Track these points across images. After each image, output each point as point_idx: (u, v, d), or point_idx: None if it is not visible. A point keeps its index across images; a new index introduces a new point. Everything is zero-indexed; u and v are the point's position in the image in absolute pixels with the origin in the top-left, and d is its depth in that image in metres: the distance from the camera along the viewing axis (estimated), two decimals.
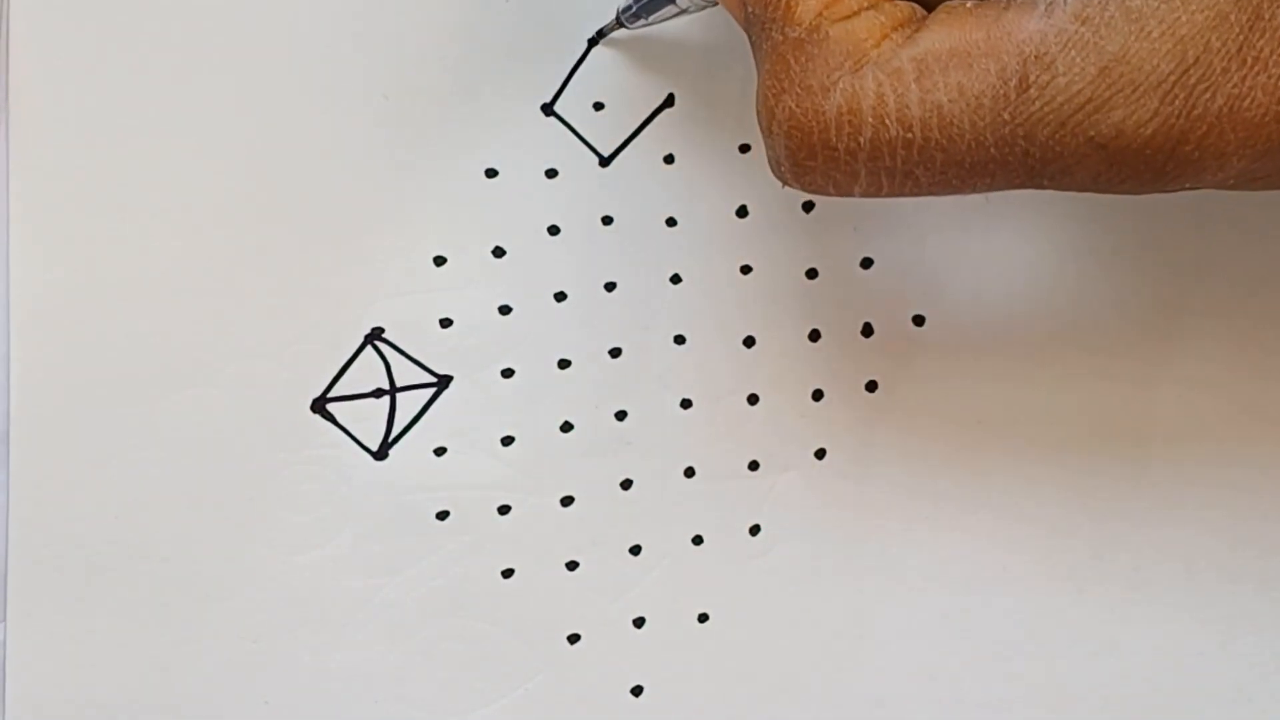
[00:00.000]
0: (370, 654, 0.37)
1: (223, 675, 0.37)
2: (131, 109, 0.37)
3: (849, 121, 0.28)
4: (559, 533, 0.38)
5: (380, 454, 0.38)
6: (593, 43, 0.39)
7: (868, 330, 0.39)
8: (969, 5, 0.28)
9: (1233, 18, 0.26)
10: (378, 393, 0.38)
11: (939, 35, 0.28)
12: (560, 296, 0.38)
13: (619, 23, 0.38)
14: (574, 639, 0.38)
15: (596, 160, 0.39)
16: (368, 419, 0.38)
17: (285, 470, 0.37)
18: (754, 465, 0.39)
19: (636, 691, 0.38)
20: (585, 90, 0.39)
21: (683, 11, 0.36)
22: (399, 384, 0.38)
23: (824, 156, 0.28)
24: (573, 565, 0.38)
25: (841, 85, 0.28)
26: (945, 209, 0.39)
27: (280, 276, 0.37)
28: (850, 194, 0.29)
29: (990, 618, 0.39)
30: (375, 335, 0.38)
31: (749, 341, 0.39)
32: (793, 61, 0.28)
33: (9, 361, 0.37)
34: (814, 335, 0.39)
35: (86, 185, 0.37)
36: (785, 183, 0.30)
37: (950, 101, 0.27)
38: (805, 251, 0.39)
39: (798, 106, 0.28)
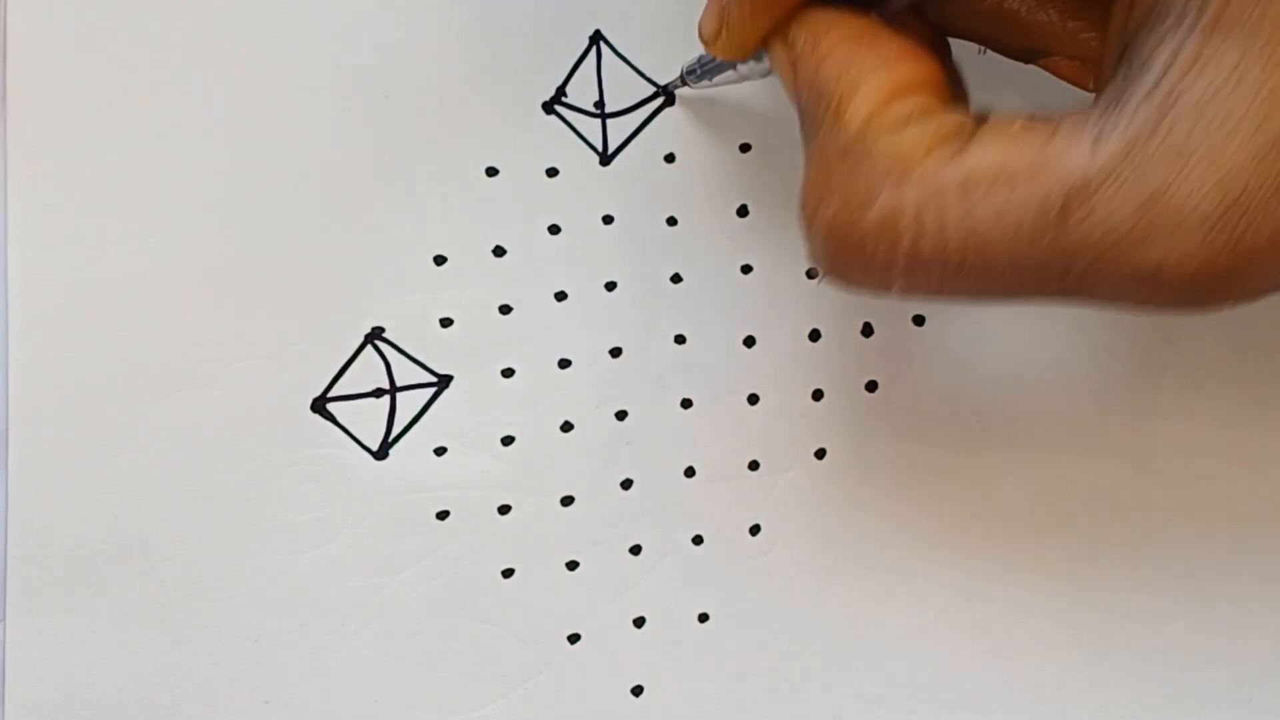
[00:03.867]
0: (370, 654, 0.37)
1: (223, 675, 0.37)
2: (130, 108, 0.37)
3: (886, 237, 0.28)
4: (559, 533, 0.38)
5: (380, 454, 0.38)
6: (664, 96, 0.39)
7: (868, 330, 0.39)
8: (1018, 125, 0.28)
9: (1272, 154, 0.26)
10: (378, 392, 0.38)
11: (984, 154, 0.27)
12: (561, 296, 0.38)
13: (683, 81, 0.38)
14: (574, 639, 0.38)
15: (597, 159, 0.39)
16: (368, 419, 0.38)
17: (285, 470, 0.37)
18: (754, 465, 0.39)
19: (636, 691, 0.38)
20: (586, 88, 0.39)
21: (744, 78, 0.36)
22: (399, 383, 0.38)
23: (860, 264, 0.28)
24: (573, 565, 0.38)
25: (882, 200, 0.28)
26: None
27: (280, 276, 0.37)
28: (887, 296, 0.29)
29: (990, 618, 0.39)
30: (375, 335, 0.38)
31: (749, 341, 0.39)
32: (837, 168, 0.28)
33: (7, 361, 0.37)
34: (814, 335, 0.39)
35: (85, 184, 0.37)
36: (823, 276, 0.30)
37: (988, 228, 0.27)
38: (806, 251, 0.39)
39: (836, 216, 0.28)
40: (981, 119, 0.28)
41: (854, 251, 0.28)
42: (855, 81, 0.29)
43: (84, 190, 0.37)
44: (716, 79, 0.37)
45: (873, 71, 0.29)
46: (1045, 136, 0.27)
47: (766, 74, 0.34)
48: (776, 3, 0.31)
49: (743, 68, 0.35)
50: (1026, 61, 0.33)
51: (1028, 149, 0.27)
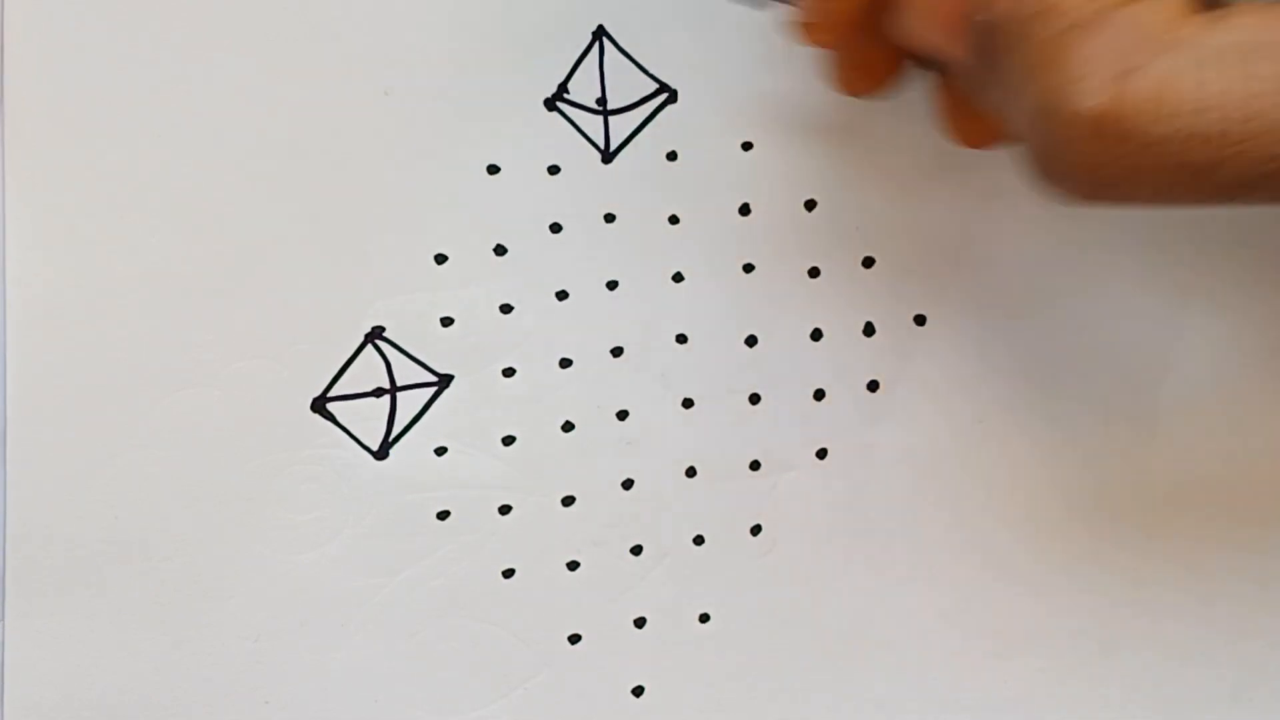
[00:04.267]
0: (370, 654, 0.37)
1: (223, 675, 0.37)
2: (129, 107, 0.37)
3: (1167, 105, 0.25)
4: (559, 533, 0.38)
5: (381, 453, 0.38)
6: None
7: (869, 330, 0.39)
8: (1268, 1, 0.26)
9: None
10: (378, 392, 0.38)
11: (1251, 25, 0.26)
12: (562, 295, 0.38)
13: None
14: (574, 639, 0.38)
15: (599, 156, 0.39)
16: (368, 418, 0.38)
17: (285, 470, 0.37)
18: (755, 465, 0.39)
19: (637, 692, 0.38)
20: (588, 85, 0.39)
21: None
22: (400, 383, 0.38)
23: (1134, 144, 0.26)
24: (573, 565, 0.38)
25: (1155, 65, 0.26)
26: (946, 209, 0.39)
27: (280, 276, 0.37)
28: (1134, 198, 0.27)
29: (990, 618, 0.39)
30: (376, 334, 0.38)
31: (751, 340, 0.39)
32: (1082, 46, 0.26)
33: (6, 361, 0.37)
34: (816, 334, 0.39)
35: (84, 184, 0.37)
36: (1066, 189, 0.27)
37: (1273, 90, 0.25)
38: (807, 250, 0.39)
39: (1103, 90, 0.26)
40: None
41: (1129, 128, 0.26)
42: None
43: (84, 190, 0.37)
44: None
45: None
46: None
47: None
48: None
49: None
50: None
51: None
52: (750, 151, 0.39)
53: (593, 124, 0.39)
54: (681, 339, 0.39)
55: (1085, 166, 0.26)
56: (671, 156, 0.39)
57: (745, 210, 0.39)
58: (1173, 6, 0.26)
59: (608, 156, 0.39)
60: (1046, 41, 0.27)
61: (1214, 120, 0.25)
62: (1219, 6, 0.27)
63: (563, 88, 0.38)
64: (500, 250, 0.38)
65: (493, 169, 0.38)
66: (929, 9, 0.30)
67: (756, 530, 0.39)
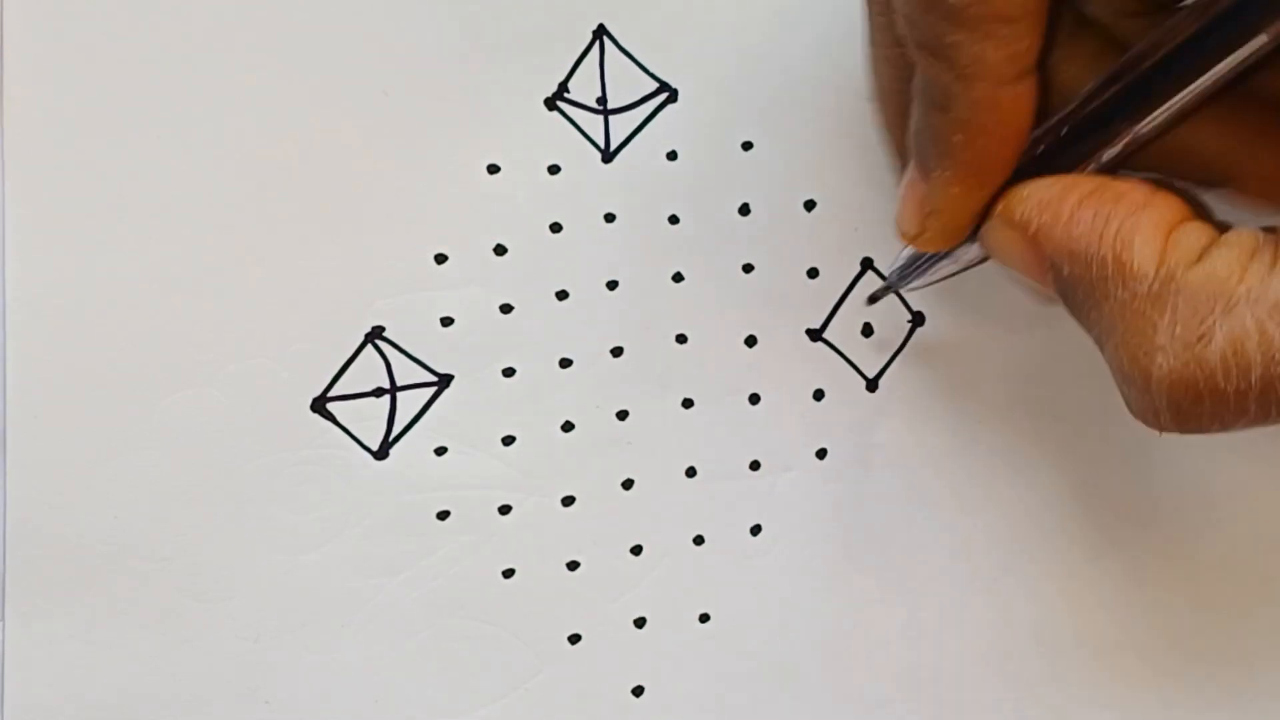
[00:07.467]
0: (370, 654, 0.37)
1: (223, 675, 0.37)
2: (129, 106, 0.37)
3: (1236, 365, 0.27)
4: (559, 533, 0.38)
5: (381, 454, 0.38)
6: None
7: (868, 330, 0.39)
8: None
9: None
10: (378, 392, 0.38)
11: None
12: (562, 295, 0.38)
13: (889, 289, 0.37)
14: (574, 639, 0.38)
15: (599, 156, 0.39)
16: (368, 418, 0.38)
17: (285, 470, 0.37)
18: (755, 465, 0.39)
19: (637, 691, 0.38)
20: (588, 84, 0.39)
21: (965, 266, 0.34)
22: (399, 383, 0.38)
23: (1212, 401, 0.27)
24: (573, 565, 0.38)
25: (1220, 330, 0.27)
26: None
27: (280, 276, 0.37)
28: (1234, 428, 0.28)
29: (990, 618, 0.39)
30: (376, 334, 0.38)
31: (750, 341, 0.39)
32: (1155, 316, 0.28)
33: (5, 361, 0.36)
34: (815, 334, 0.39)
35: (84, 183, 0.37)
36: (1162, 429, 0.29)
37: None
38: (807, 250, 0.39)
39: (1177, 360, 0.27)
40: (1272, 228, 0.28)
41: (1204, 390, 0.27)
42: (1124, 233, 0.28)
43: (83, 190, 0.37)
44: (931, 274, 0.35)
45: (1134, 217, 0.28)
46: None
47: (979, 262, 0.34)
48: (988, 179, 0.31)
49: (963, 255, 0.34)
50: (1207, 189, 0.33)
51: None
52: (750, 151, 0.39)
53: (593, 123, 0.39)
54: (681, 339, 0.39)
55: (1174, 417, 0.28)
56: (671, 156, 0.39)
57: (745, 210, 0.39)
58: (1234, 256, 0.28)
59: (608, 156, 0.39)
60: (1123, 306, 0.28)
61: None
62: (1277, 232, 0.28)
63: (563, 87, 0.38)
64: (500, 250, 0.38)
65: (493, 169, 0.38)
66: (1011, 248, 0.31)
67: (756, 530, 0.39)
